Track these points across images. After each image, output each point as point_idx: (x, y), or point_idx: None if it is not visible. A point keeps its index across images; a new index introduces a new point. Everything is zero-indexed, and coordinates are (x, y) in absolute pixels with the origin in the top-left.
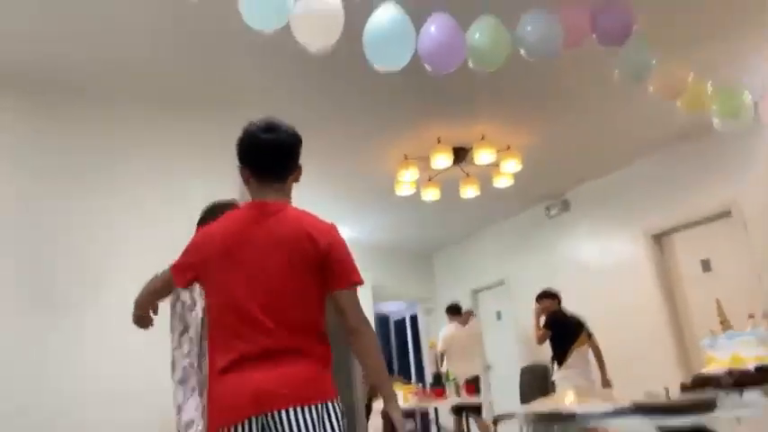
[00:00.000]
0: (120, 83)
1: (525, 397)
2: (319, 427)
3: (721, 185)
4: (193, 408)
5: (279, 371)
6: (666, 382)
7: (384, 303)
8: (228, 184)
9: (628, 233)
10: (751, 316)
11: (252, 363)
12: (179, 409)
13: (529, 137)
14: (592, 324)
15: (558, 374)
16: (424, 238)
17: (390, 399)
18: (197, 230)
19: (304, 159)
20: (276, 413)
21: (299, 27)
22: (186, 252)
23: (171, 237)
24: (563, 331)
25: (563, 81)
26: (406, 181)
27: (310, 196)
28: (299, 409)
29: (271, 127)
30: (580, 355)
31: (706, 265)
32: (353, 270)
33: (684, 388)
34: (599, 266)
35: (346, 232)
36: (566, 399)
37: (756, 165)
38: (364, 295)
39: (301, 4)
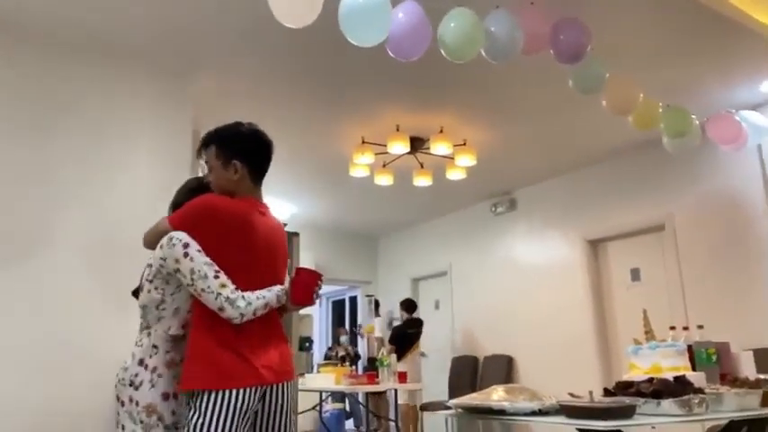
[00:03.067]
0: (67, 31)
1: (453, 386)
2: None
3: (658, 200)
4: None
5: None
6: (588, 383)
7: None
8: (176, 145)
9: (566, 236)
10: (672, 328)
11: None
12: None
13: (485, 134)
14: (525, 320)
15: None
16: (370, 222)
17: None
18: (182, 202)
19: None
20: (281, 385)
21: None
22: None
23: (119, 203)
24: (400, 340)
25: (523, 84)
26: (361, 164)
27: None
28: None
29: (263, 132)
30: (414, 357)
31: (635, 275)
32: None
33: (607, 393)
34: (537, 266)
35: (291, 208)
36: (494, 394)
37: (693, 183)
38: None
39: None
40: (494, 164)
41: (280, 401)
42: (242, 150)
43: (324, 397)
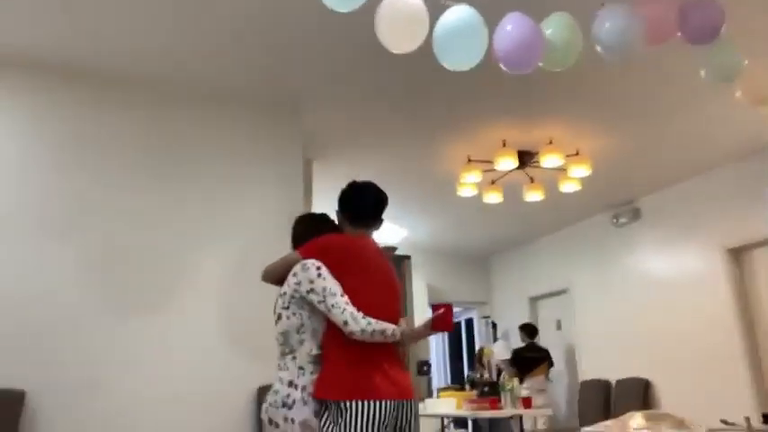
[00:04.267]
0: (178, 80)
1: (583, 412)
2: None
3: None
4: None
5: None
6: (740, 407)
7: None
8: (293, 182)
9: (702, 246)
10: None
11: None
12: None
13: (599, 141)
14: (660, 339)
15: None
16: (482, 241)
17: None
18: (301, 232)
19: (366, 159)
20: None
21: (384, 28)
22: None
23: (244, 235)
24: (521, 363)
25: (637, 83)
26: (469, 183)
27: None
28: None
29: (365, 188)
30: (535, 380)
31: None
32: None
33: (767, 419)
34: (669, 280)
35: (401, 232)
36: (632, 422)
37: None
38: (420, 296)
39: (386, 4)
40: (612, 172)
41: (409, 417)
42: (340, 203)
43: (446, 423)
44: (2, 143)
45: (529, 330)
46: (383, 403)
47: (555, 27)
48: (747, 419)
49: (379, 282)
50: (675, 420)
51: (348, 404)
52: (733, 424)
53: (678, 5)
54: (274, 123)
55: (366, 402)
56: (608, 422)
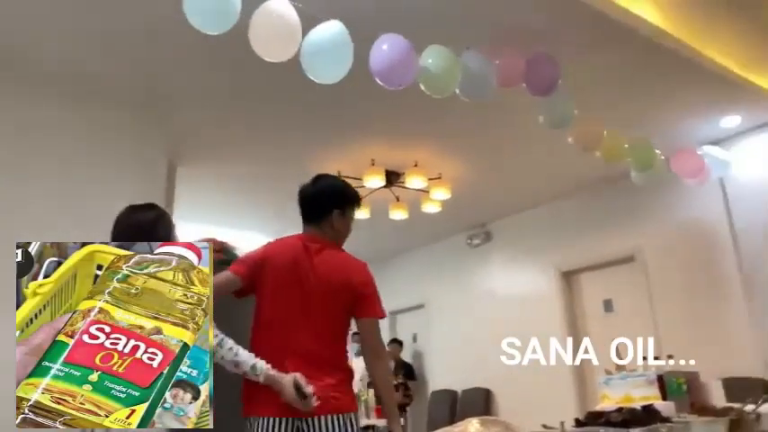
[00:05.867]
0: (35, 68)
1: (432, 420)
2: None
3: (628, 231)
4: None
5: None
6: (565, 414)
7: None
8: (154, 185)
9: (541, 268)
10: (644, 358)
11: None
12: None
13: (460, 168)
14: (500, 352)
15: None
16: None
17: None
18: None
19: (235, 166)
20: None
21: (257, 36)
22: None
23: (93, 237)
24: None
25: (496, 119)
26: None
27: (234, 204)
28: None
29: (316, 178)
30: None
31: (608, 306)
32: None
33: (578, 423)
34: (513, 298)
35: (266, 241)
36: (470, 427)
37: (660, 215)
38: None
39: (261, 13)
40: (468, 197)
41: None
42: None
43: None
44: None
45: (400, 344)
46: (270, 420)
47: (435, 57)
48: (562, 423)
49: (295, 281)
50: (504, 425)
51: (247, 422)
52: (552, 428)
53: (523, 60)
54: (139, 123)
55: (256, 420)
56: (448, 427)
